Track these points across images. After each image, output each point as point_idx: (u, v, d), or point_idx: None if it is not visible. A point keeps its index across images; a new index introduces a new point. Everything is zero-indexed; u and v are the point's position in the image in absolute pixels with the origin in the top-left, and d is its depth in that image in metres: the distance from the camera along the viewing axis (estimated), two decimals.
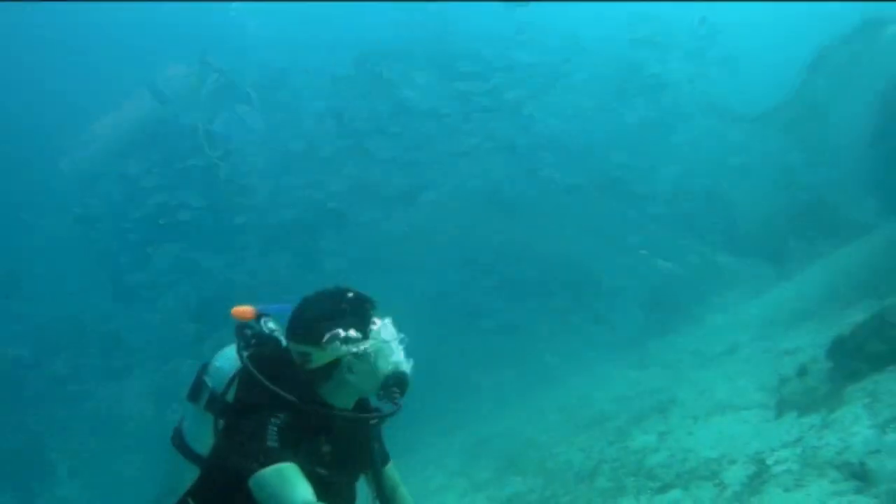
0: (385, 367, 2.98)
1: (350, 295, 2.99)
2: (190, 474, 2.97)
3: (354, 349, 2.86)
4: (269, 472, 2.55)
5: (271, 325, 3.18)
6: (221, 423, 2.91)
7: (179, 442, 3.06)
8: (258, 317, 3.20)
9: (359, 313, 2.95)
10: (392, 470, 3.39)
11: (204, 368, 3.09)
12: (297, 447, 2.71)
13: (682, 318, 17.38)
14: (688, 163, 23.62)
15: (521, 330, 24.31)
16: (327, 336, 2.81)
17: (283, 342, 3.05)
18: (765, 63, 27.50)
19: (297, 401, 2.75)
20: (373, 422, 3.15)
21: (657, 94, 23.59)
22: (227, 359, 3.05)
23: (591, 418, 12.53)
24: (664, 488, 7.39)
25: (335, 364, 2.86)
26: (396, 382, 3.06)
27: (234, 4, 28.13)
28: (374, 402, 3.18)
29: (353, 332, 2.86)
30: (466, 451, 14.88)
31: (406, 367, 3.03)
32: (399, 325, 3.12)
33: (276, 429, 2.67)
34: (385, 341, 2.97)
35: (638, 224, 25.40)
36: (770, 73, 22.72)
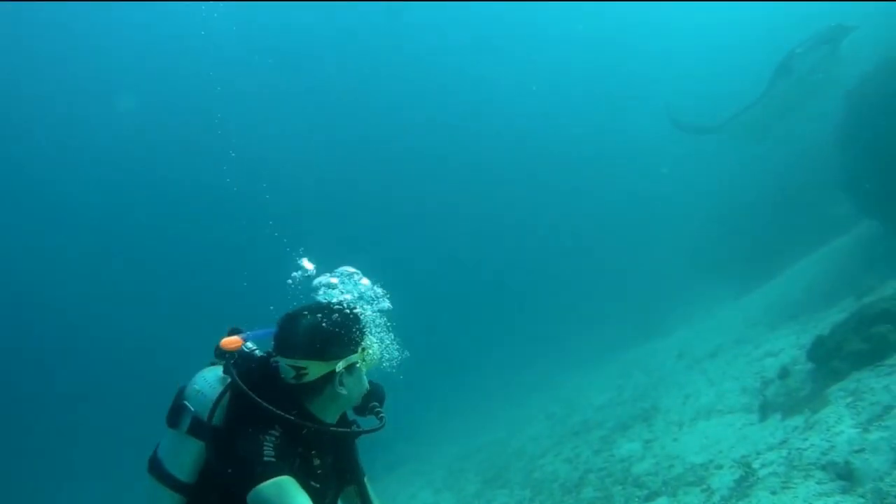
0: (366, 381, 3.13)
1: (345, 309, 3.03)
2: (169, 502, 2.92)
3: (347, 363, 2.94)
4: (268, 485, 2.56)
5: (249, 344, 3.15)
6: (211, 447, 2.85)
7: (158, 469, 2.96)
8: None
9: (353, 327, 3.00)
10: (367, 482, 3.40)
11: (181, 393, 3.02)
12: (292, 461, 2.74)
13: (665, 323, 17.44)
14: (658, 168, 23.96)
15: (508, 341, 24.42)
16: (330, 348, 2.89)
17: (267, 359, 3.04)
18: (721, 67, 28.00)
19: (292, 417, 2.78)
20: (361, 435, 3.18)
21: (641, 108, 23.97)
22: (208, 382, 3.00)
23: (576, 427, 12.50)
24: (651, 496, 7.35)
25: (328, 378, 2.91)
26: (376, 396, 3.21)
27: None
28: (350, 415, 3.24)
29: (348, 347, 2.95)
30: (453, 464, 14.78)
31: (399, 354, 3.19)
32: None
33: (271, 444, 2.69)
34: (373, 356, 3.08)
35: (621, 233, 25.75)
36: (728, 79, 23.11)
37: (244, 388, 2.84)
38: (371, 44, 37.85)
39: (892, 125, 10.47)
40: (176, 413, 2.97)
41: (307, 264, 3.16)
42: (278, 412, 2.76)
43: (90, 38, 32.32)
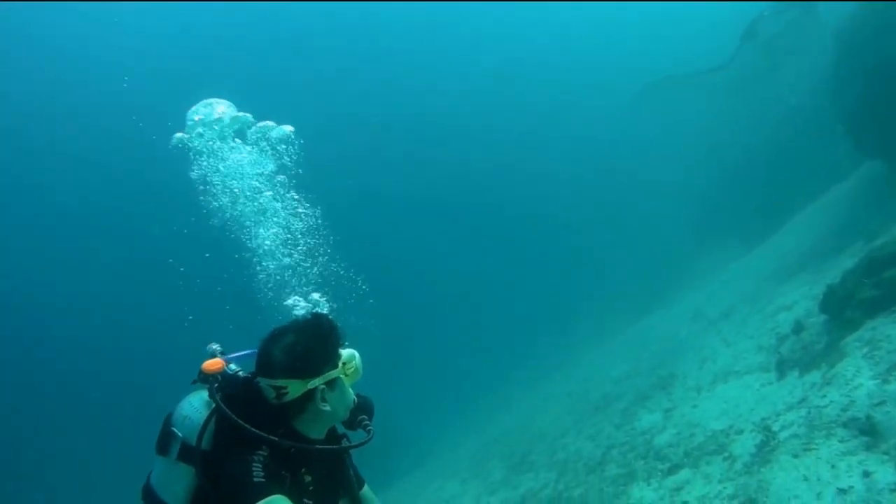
0: (351, 395, 3.05)
1: (320, 326, 2.96)
2: None
3: (327, 379, 2.87)
4: None
5: (233, 366, 3.08)
6: (200, 472, 2.78)
7: (151, 498, 2.89)
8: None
9: (329, 343, 2.93)
10: (369, 492, 3.39)
11: (169, 419, 2.95)
12: (282, 480, 2.70)
13: (677, 288, 17.21)
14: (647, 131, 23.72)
15: (521, 323, 24.26)
16: (307, 366, 2.82)
17: (251, 380, 2.96)
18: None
19: (276, 438, 2.72)
20: (348, 451, 3.11)
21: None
22: (194, 407, 2.92)
23: (597, 403, 12.33)
24: (673, 469, 7.16)
25: (309, 395, 2.84)
26: (363, 409, 3.17)
27: None
28: (340, 429, 3.17)
29: (326, 363, 2.88)
30: (478, 453, 14.64)
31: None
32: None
33: (259, 464, 2.63)
34: (352, 368, 2.99)
35: (623, 204, 25.52)
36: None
37: (227, 412, 2.77)
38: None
39: (884, 59, 10.18)
40: (165, 440, 2.90)
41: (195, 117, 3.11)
42: (262, 434, 2.70)
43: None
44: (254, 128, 3.13)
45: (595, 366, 15.79)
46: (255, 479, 2.58)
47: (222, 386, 2.94)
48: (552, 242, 27.76)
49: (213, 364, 2.99)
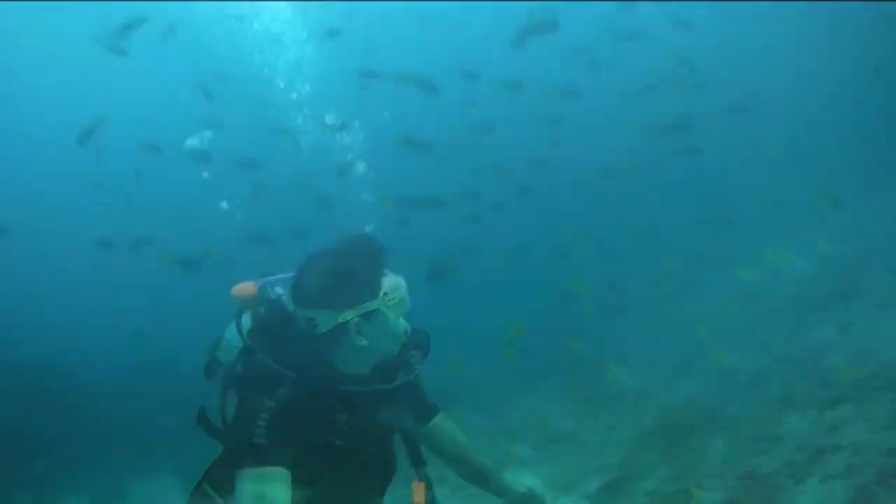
0: (399, 326, 2.85)
1: (359, 250, 2.83)
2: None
3: (362, 311, 2.71)
4: (250, 474, 2.46)
5: (278, 289, 3.00)
6: (232, 393, 2.82)
7: (204, 422, 2.96)
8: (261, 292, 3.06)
9: (367, 270, 2.78)
10: (441, 423, 3.27)
11: (216, 343, 3.02)
12: (298, 425, 2.58)
13: (878, 179, 15.43)
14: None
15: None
16: (339, 296, 2.69)
17: (290, 307, 2.89)
18: None
19: (298, 375, 2.62)
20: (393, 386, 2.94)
21: None
22: (234, 332, 2.93)
23: (772, 307, 11.61)
24: (836, 401, 6.51)
25: (343, 328, 2.71)
26: (416, 344, 2.94)
27: None
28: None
29: (362, 293, 2.74)
30: (645, 350, 14.31)
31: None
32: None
33: (266, 418, 2.53)
34: (395, 299, 2.79)
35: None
36: None
37: (248, 342, 2.75)
38: None
39: None
40: (211, 365, 3.00)
41: None
42: (283, 371, 2.61)
43: None
44: None
45: (779, 260, 14.71)
46: (257, 441, 2.49)
47: (261, 312, 2.91)
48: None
49: (242, 289, 2.95)
